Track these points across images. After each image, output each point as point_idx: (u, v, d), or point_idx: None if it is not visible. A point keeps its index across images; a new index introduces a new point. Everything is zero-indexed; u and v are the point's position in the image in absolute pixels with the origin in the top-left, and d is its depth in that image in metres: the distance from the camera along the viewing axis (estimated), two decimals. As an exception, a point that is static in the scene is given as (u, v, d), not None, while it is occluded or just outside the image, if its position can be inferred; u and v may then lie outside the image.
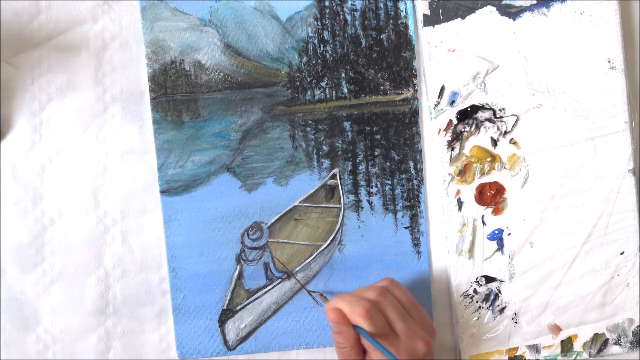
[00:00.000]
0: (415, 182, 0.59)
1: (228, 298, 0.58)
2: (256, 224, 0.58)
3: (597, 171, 0.59)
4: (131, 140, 0.57)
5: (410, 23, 0.58)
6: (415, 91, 0.59)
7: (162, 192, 0.57)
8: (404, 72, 0.59)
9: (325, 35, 0.58)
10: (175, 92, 0.57)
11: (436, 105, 0.58)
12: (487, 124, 0.59)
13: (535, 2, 0.58)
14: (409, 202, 0.59)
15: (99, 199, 0.57)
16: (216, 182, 0.57)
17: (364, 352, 0.53)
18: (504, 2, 0.58)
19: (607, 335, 0.60)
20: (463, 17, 0.58)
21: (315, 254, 0.58)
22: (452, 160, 0.59)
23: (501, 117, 0.59)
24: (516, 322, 0.60)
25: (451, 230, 0.59)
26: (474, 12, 0.58)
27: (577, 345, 0.60)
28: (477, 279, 0.59)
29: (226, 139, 0.57)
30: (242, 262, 0.58)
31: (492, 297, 0.59)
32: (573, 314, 0.60)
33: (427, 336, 0.52)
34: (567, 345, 0.60)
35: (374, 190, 0.59)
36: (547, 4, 0.58)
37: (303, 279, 0.58)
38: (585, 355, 0.60)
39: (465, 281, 0.59)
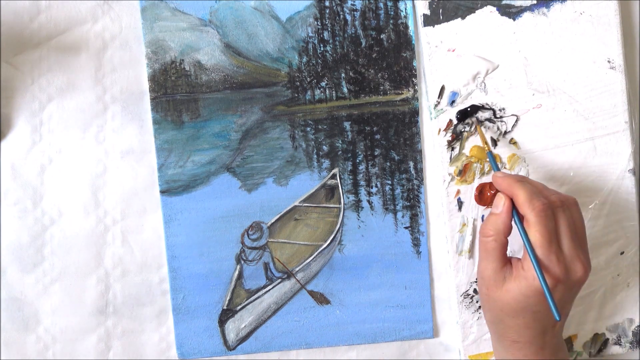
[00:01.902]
0: (415, 182, 0.59)
1: (228, 298, 0.58)
2: (256, 224, 0.58)
3: (597, 171, 0.59)
4: (131, 140, 0.57)
5: (410, 23, 0.58)
6: (415, 91, 0.59)
7: (162, 192, 0.57)
8: (404, 72, 0.59)
9: (325, 35, 0.58)
10: (175, 92, 0.57)
11: (436, 105, 0.58)
12: (487, 124, 0.59)
13: (535, 2, 0.58)
14: (409, 202, 0.59)
15: (99, 199, 0.57)
16: (216, 182, 0.57)
17: (505, 249, 0.50)
18: (504, 2, 0.58)
19: (607, 335, 0.60)
20: (463, 17, 0.58)
21: (315, 254, 0.58)
22: (452, 160, 0.59)
23: (501, 117, 0.59)
24: (516, 322, 0.60)
25: (451, 230, 0.59)
26: (474, 12, 0.58)
27: (577, 345, 0.60)
28: (477, 279, 0.59)
29: (226, 139, 0.57)
30: (242, 262, 0.58)
31: (492, 297, 0.59)
32: (573, 314, 0.60)
33: (589, 266, 0.48)
34: (567, 345, 0.60)
35: (374, 190, 0.59)
36: (547, 4, 0.58)
37: (303, 279, 0.58)
38: (585, 355, 0.60)
39: (465, 281, 0.59)
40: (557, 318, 0.45)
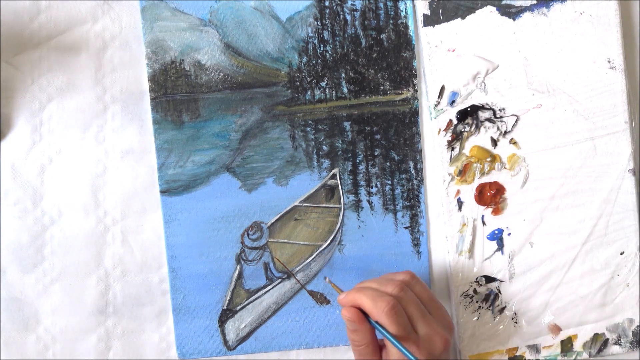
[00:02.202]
0: (415, 182, 0.59)
1: (228, 298, 0.58)
2: (256, 224, 0.58)
3: (597, 171, 0.59)
4: (131, 140, 0.57)
5: (410, 23, 0.58)
6: (415, 91, 0.59)
7: (162, 192, 0.57)
8: (404, 72, 0.59)
9: (325, 35, 0.58)
10: (175, 92, 0.57)
11: (436, 105, 0.58)
12: (487, 124, 0.59)
13: (535, 2, 0.58)
14: (409, 202, 0.59)
15: (99, 199, 0.57)
16: (216, 182, 0.57)
17: (380, 348, 0.52)
18: (504, 2, 0.58)
19: (607, 335, 0.60)
20: (463, 17, 0.58)
21: (315, 254, 0.58)
22: (452, 160, 0.59)
23: (501, 117, 0.59)
24: (516, 322, 0.60)
25: (451, 230, 0.59)
26: (474, 12, 0.58)
27: (577, 345, 0.60)
28: (477, 279, 0.59)
29: (226, 139, 0.57)
30: (242, 262, 0.58)
31: (492, 297, 0.59)
32: (573, 314, 0.60)
33: (445, 334, 0.51)
34: (567, 345, 0.60)
35: (374, 190, 0.59)
36: (547, 4, 0.58)
37: (303, 279, 0.58)
38: (585, 355, 0.60)
39: (465, 281, 0.59)
40: None
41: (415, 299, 0.51)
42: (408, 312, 0.50)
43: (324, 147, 0.58)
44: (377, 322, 0.49)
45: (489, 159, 0.59)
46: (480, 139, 0.59)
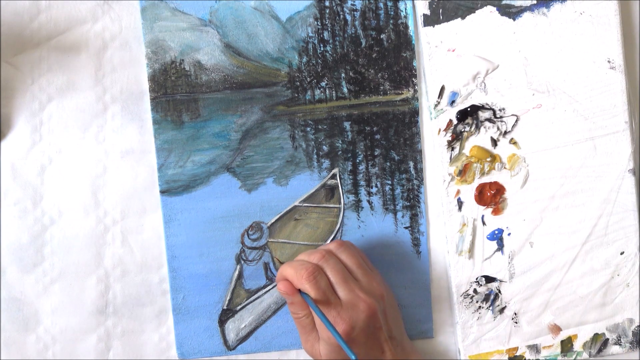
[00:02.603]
0: (415, 182, 0.59)
1: (228, 298, 0.58)
2: (256, 224, 0.58)
3: (597, 171, 0.59)
4: (131, 140, 0.57)
5: (410, 23, 0.58)
6: (415, 91, 0.59)
7: (162, 192, 0.57)
8: (404, 72, 0.59)
9: (325, 35, 0.58)
10: (175, 92, 0.57)
11: (436, 105, 0.58)
12: (487, 124, 0.59)
13: (535, 2, 0.58)
14: (409, 202, 0.59)
15: (99, 199, 0.57)
16: (216, 182, 0.57)
17: None
18: (504, 2, 0.58)
19: (607, 335, 0.60)
20: (463, 17, 0.58)
21: (315, 254, 0.58)
22: (452, 160, 0.59)
23: (501, 117, 0.59)
24: (516, 322, 0.60)
25: (451, 230, 0.59)
26: (474, 12, 0.58)
27: (577, 345, 0.60)
28: (477, 279, 0.59)
29: (226, 139, 0.57)
30: (242, 262, 0.58)
31: (492, 297, 0.59)
32: (573, 314, 0.60)
33: (370, 299, 0.50)
34: (567, 345, 0.60)
35: (374, 190, 0.59)
36: (547, 4, 0.58)
37: (303, 279, 0.58)
38: (585, 355, 0.60)
39: (465, 281, 0.59)
40: (353, 358, 0.47)
41: (339, 265, 0.52)
42: (329, 278, 0.51)
43: (324, 147, 0.58)
44: (302, 292, 0.51)
45: (489, 159, 0.59)
46: (480, 139, 0.59)
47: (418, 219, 0.59)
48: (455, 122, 0.58)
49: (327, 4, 0.57)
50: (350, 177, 0.59)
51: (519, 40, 0.58)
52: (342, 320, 0.49)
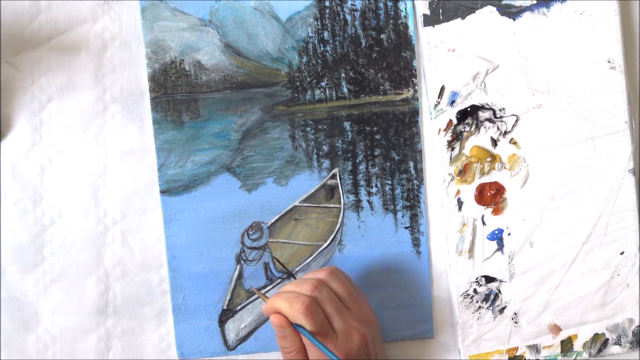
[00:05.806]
0: (415, 182, 0.59)
1: (228, 298, 0.58)
2: (256, 224, 0.58)
3: (597, 171, 0.59)
4: (131, 140, 0.57)
5: (410, 23, 0.58)
6: (415, 91, 0.59)
7: (162, 192, 0.57)
8: (404, 72, 0.59)
9: (325, 35, 0.58)
10: (175, 92, 0.57)
11: (436, 105, 0.58)
12: (487, 124, 0.59)
13: (535, 2, 0.58)
14: (409, 202, 0.59)
15: (99, 199, 0.57)
16: (216, 182, 0.57)
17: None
18: (504, 2, 0.58)
19: (607, 335, 0.60)
20: (463, 17, 0.58)
21: (315, 254, 0.58)
22: (452, 160, 0.59)
23: (501, 117, 0.59)
24: (516, 322, 0.60)
25: (451, 230, 0.59)
26: (474, 12, 0.58)
27: (577, 345, 0.60)
28: (477, 279, 0.59)
29: (226, 139, 0.57)
30: (242, 262, 0.58)
31: (492, 297, 0.59)
32: (573, 314, 0.60)
33: (362, 328, 0.50)
34: (567, 345, 0.60)
35: (374, 190, 0.59)
36: (547, 4, 0.58)
37: (303, 279, 0.58)
38: (585, 355, 0.60)
39: (465, 281, 0.59)
40: None
41: (331, 295, 0.51)
42: (324, 310, 0.50)
43: (324, 147, 0.58)
44: (297, 325, 0.49)
45: (489, 159, 0.59)
46: (480, 139, 0.59)
47: (418, 219, 0.59)
48: (455, 122, 0.58)
49: (327, 4, 0.57)
50: (350, 177, 0.59)
51: (519, 40, 0.58)
52: (339, 352, 0.49)
